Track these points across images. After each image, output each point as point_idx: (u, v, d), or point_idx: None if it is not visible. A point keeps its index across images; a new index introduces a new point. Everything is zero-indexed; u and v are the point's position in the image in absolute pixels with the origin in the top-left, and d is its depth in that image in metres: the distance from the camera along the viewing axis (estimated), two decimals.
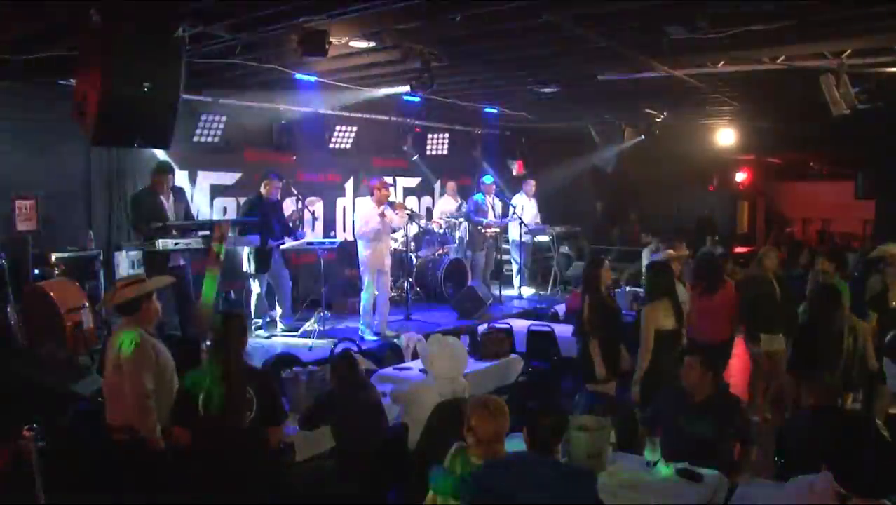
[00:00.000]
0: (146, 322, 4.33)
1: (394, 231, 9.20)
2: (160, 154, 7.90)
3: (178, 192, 7.71)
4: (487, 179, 11.36)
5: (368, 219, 8.36)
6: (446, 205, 11.71)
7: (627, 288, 9.75)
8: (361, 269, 8.51)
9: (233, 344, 3.73)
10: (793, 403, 5.45)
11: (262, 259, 8.25)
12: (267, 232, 8.18)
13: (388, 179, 11.67)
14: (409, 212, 9.57)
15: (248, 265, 8.32)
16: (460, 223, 11.31)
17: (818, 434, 3.81)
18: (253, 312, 8.49)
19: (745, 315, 7.07)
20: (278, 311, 8.61)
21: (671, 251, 7.07)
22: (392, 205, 8.63)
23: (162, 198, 7.40)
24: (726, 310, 6.77)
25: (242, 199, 9.35)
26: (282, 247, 8.33)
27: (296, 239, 8.55)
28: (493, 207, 11.22)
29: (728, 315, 6.80)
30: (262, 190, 8.48)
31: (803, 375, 4.92)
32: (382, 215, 8.32)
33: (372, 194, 8.47)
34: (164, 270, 7.25)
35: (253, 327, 8.39)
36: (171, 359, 4.33)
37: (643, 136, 11.90)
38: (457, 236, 11.32)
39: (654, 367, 5.48)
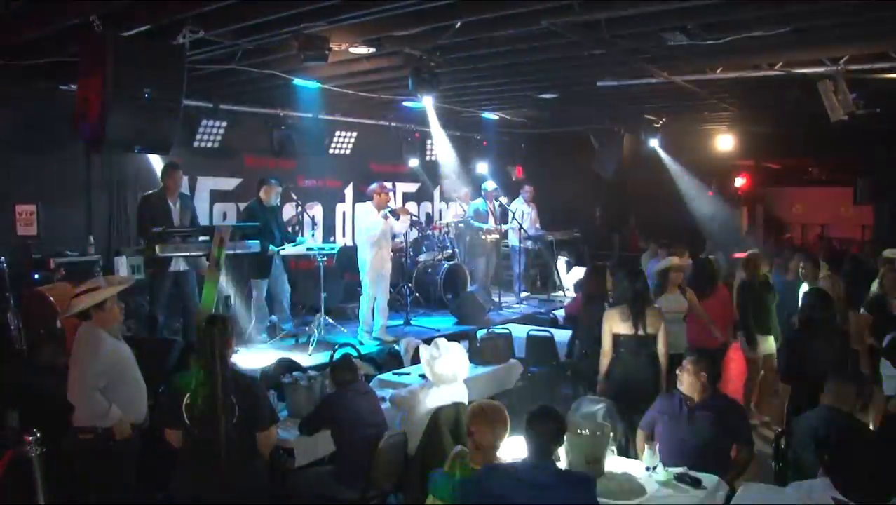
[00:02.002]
0: (103, 324, 4.35)
1: (394, 237, 9.21)
2: (159, 158, 7.92)
3: (185, 199, 7.71)
4: (489, 186, 11.37)
5: (370, 223, 8.38)
6: (459, 211, 11.71)
7: None
8: (361, 273, 8.52)
9: (217, 347, 3.73)
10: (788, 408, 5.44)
11: (263, 264, 8.26)
12: (267, 237, 8.19)
13: (388, 185, 11.76)
14: (411, 217, 9.59)
15: (249, 270, 8.35)
16: (466, 230, 11.32)
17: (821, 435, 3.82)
18: (253, 318, 8.49)
19: (742, 319, 7.12)
20: (277, 316, 8.62)
21: (675, 259, 7.06)
22: (393, 210, 8.65)
23: (170, 202, 7.41)
24: (719, 315, 6.81)
25: (243, 205, 9.39)
26: (281, 252, 8.33)
27: (297, 244, 8.55)
28: (493, 213, 11.23)
29: (722, 320, 6.83)
30: (262, 195, 8.48)
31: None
32: (390, 217, 8.40)
33: (372, 199, 8.48)
34: (165, 275, 7.27)
35: (254, 332, 8.41)
36: (127, 357, 4.38)
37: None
38: (466, 241, 11.31)
39: (616, 369, 5.58)
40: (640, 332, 5.52)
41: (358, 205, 10.72)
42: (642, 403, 4.99)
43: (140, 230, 7.56)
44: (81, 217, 8.05)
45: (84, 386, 4.17)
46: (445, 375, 5.22)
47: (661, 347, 5.56)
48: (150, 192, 7.62)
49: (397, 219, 8.61)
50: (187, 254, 7.09)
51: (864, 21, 5.57)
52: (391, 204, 8.74)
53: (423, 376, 5.47)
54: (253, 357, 7.54)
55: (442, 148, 11.69)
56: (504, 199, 11.44)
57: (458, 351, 5.40)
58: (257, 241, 7.71)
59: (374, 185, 8.59)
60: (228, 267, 8.46)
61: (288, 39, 5.87)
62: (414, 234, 10.64)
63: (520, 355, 7.80)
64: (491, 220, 11.17)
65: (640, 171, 13.27)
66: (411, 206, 12.18)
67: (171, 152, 7.06)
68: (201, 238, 7.11)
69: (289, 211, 9.56)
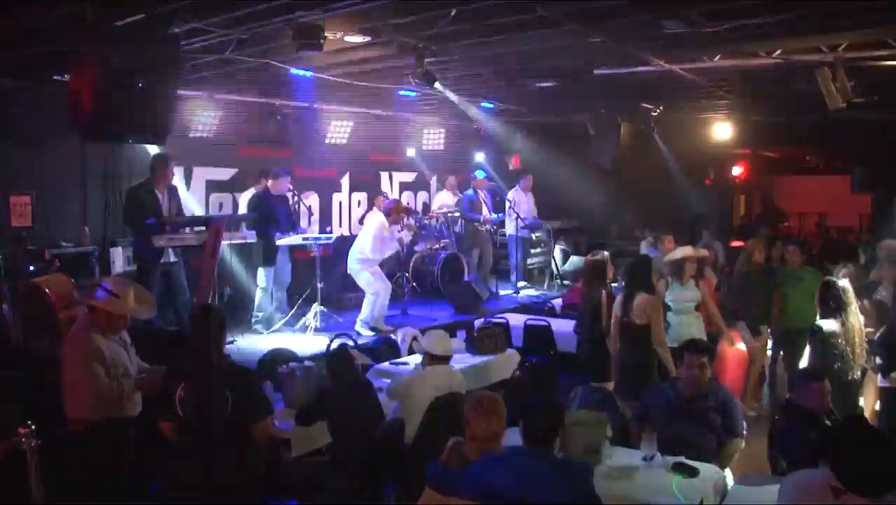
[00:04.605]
0: (105, 324, 4.37)
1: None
2: (155, 148, 7.86)
3: (172, 190, 7.67)
4: (479, 175, 11.35)
5: (382, 236, 8.57)
6: (445, 199, 11.69)
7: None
8: (364, 276, 8.54)
9: (212, 338, 3.71)
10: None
11: (270, 253, 8.28)
12: (274, 226, 8.21)
13: (386, 174, 11.77)
14: (415, 228, 10.04)
15: (256, 259, 8.41)
16: (458, 218, 11.30)
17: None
18: (256, 307, 8.49)
19: (743, 309, 7.12)
20: (275, 305, 8.62)
21: (689, 249, 6.96)
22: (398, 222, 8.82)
23: (158, 193, 7.36)
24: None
25: (239, 195, 9.36)
26: (278, 242, 8.32)
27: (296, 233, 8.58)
28: (485, 202, 11.21)
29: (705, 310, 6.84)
30: (270, 184, 8.50)
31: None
32: (400, 239, 9.00)
33: (388, 214, 8.57)
34: (156, 267, 7.22)
35: (253, 321, 8.41)
36: (113, 355, 4.45)
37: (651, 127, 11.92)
38: (459, 231, 11.31)
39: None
40: (625, 318, 5.77)
41: (370, 216, 10.33)
42: (638, 391, 5.06)
43: (128, 222, 7.49)
44: (77, 208, 8.01)
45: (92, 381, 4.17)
46: (438, 349, 5.32)
47: (654, 337, 5.67)
48: (137, 183, 7.55)
49: (405, 230, 9.04)
50: (181, 244, 7.06)
51: (863, 8, 5.54)
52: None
53: (419, 366, 5.48)
54: (249, 347, 7.53)
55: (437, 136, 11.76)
56: (492, 186, 11.48)
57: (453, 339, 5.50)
58: (254, 231, 7.71)
59: (391, 202, 8.80)
60: (236, 256, 8.51)
61: (283, 28, 5.82)
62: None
63: (517, 345, 7.81)
64: (484, 209, 11.15)
65: (637, 160, 13.22)
66: (408, 196, 12.19)
67: (166, 142, 7.02)
68: (196, 228, 7.09)
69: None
